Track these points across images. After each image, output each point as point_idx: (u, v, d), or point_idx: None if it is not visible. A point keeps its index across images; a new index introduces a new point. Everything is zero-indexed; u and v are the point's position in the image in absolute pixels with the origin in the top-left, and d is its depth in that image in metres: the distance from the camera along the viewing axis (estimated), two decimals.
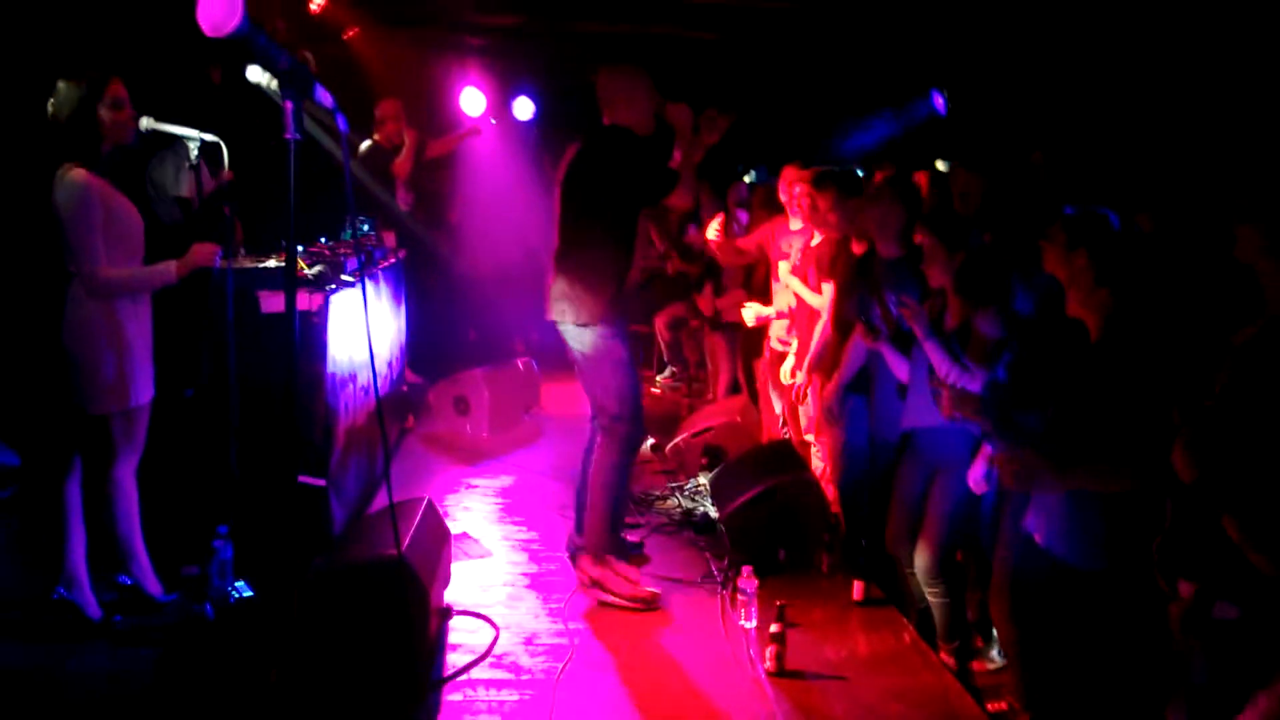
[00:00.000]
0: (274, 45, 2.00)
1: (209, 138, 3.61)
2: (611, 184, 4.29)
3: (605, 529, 4.42)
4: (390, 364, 6.28)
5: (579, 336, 4.35)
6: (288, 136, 2.04)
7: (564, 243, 4.37)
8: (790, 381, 5.38)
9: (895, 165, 7.49)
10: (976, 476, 3.64)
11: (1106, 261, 2.80)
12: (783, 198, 5.72)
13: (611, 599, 4.32)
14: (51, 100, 3.61)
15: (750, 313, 5.85)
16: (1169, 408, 2.52)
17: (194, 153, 3.58)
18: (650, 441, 6.66)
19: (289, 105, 2.04)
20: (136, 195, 3.96)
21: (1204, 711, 2.44)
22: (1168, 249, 3.58)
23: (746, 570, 4.10)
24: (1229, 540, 2.23)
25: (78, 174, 3.56)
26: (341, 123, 2.29)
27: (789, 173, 5.64)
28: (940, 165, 7.84)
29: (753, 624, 4.02)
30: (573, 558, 4.54)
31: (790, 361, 5.45)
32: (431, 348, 7.95)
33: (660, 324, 8.79)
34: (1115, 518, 2.79)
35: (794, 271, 5.37)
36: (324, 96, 2.18)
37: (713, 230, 5.94)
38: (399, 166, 7.18)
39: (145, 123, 3.62)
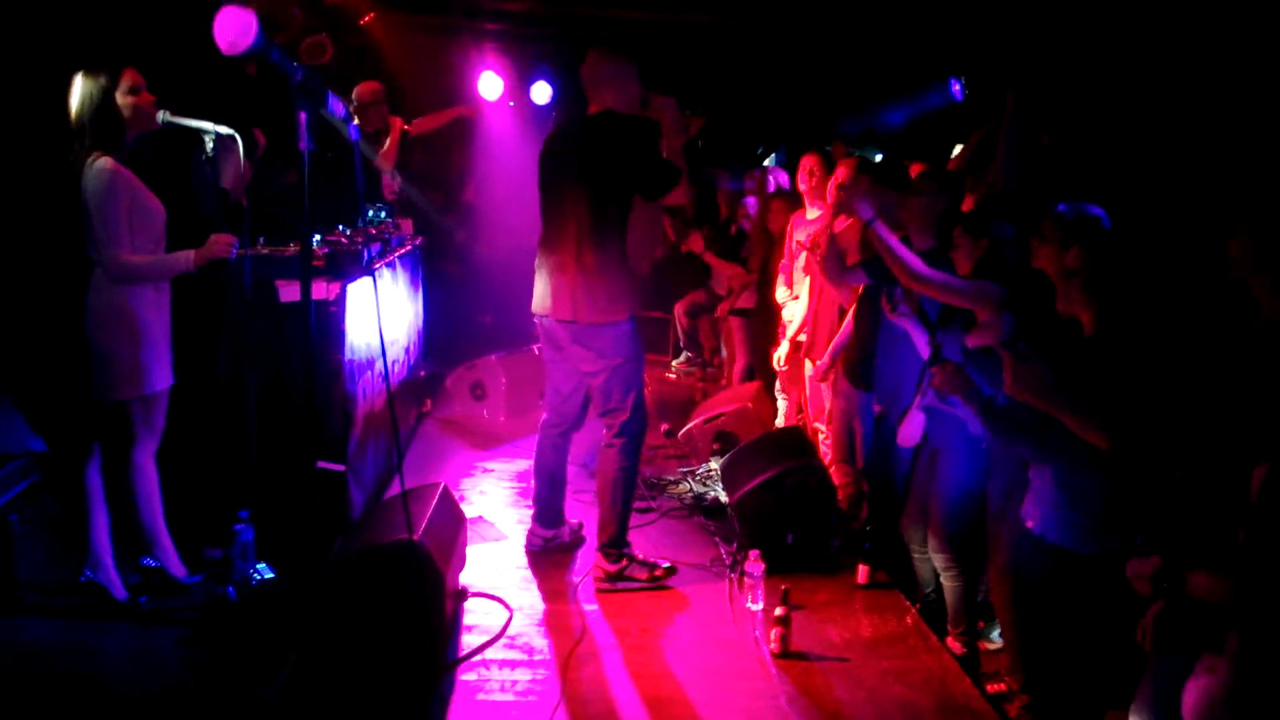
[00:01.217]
0: (287, 59, 2.08)
1: (225, 130, 3.69)
2: (627, 174, 4.20)
3: (623, 525, 4.47)
4: (408, 349, 6.38)
5: (592, 335, 4.30)
6: (301, 147, 2.11)
7: (571, 236, 4.25)
8: (784, 365, 5.47)
9: (914, 149, 7.52)
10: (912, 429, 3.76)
11: (1100, 261, 2.84)
12: (801, 186, 5.72)
13: (635, 585, 4.42)
14: (72, 94, 3.70)
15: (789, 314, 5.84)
16: (1162, 400, 2.58)
17: (210, 146, 3.67)
18: (664, 427, 6.76)
19: (303, 116, 2.11)
20: (173, 185, 4.05)
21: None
22: (1164, 246, 3.61)
23: (754, 554, 4.20)
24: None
25: (105, 162, 3.66)
26: (353, 131, 2.37)
27: (806, 160, 5.64)
28: (959, 149, 7.84)
29: (759, 606, 4.11)
30: (541, 547, 4.71)
31: (784, 348, 5.55)
32: (447, 332, 8.05)
33: (679, 310, 8.87)
34: (1108, 504, 2.86)
35: (813, 257, 5.34)
36: (336, 106, 2.26)
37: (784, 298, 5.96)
38: (385, 156, 6.89)
39: (162, 116, 3.71)
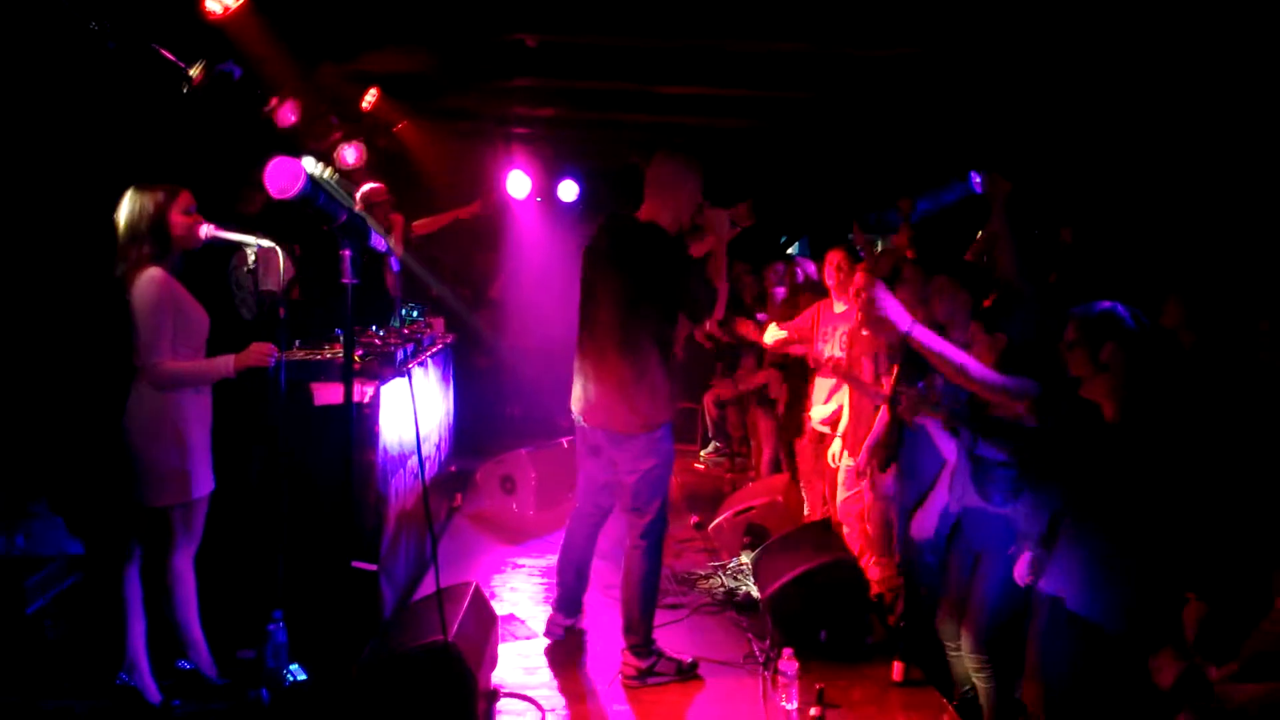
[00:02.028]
0: (333, 202, 2.19)
1: (266, 243, 3.82)
2: (663, 291, 4.24)
3: (649, 623, 4.49)
4: (438, 445, 6.44)
5: (629, 442, 4.37)
6: (345, 281, 2.21)
7: (612, 346, 4.30)
8: (839, 464, 5.44)
9: (937, 237, 7.61)
10: (1021, 570, 3.66)
11: (1134, 356, 2.90)
12: (828, 281, 5.78)
13: (663, 679, 4.43)
14: (122, 208, 3.85)
15: (816, 415, 5.86)
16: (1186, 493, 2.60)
17: (251, 258, 3.79)
18: (693, 519, 6.75)
19: (347, 254, 2.22)
20: (212, 292, 4.18)
21: None
22: (1195, 341, 3.64)
23: (787, 652, 4.16)
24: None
25: (155, 273, 3.79)
26: (394, 264, 2.46)
27: (833, 256, 5.70)
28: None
29: (794, 705, 4.07)
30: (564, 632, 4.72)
31: (836, 444, 5.52)
32: (476, 425, 8.12)
33: (708, 401, 8.91)
34: (1141, 581, 2.86)
35: (843, 354, 5.37)
36: (378, 242, 2.36)
37: (770, 334, 6.02)
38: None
39: (206, 230, 3.84)
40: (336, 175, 7.24)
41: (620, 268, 4.30)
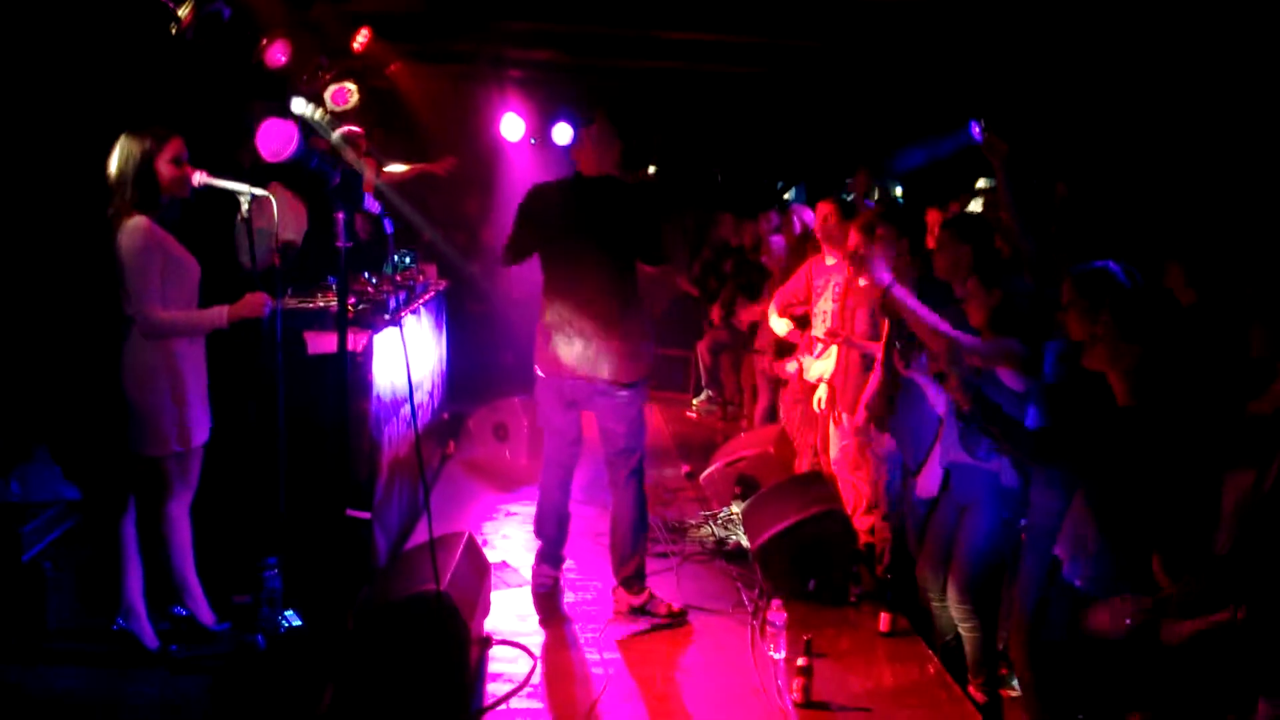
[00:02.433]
0: (326, 164, 2.18)
1: (259, 192, 3.78)
2: (644, 241, 4.50)
3: (642, 556, 4.63)
4: (431, 392, 6.45)
5: (619, 391, 4.51)
6: (339, 245, 2.20)
7: (607, 300, 4.43)
8: (823, 409, 5.46)
9: (934, 187, 7.57)
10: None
11: (1129, 318, 2.89)
12: (818, 233, 5.76)
13: (655, 620, 4.54)
14: (114, 154, 3.80)
15: (812, 371, 5.84)
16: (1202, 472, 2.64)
17: (246, 207, 3.75)
18: (685, 468, 6.80)
19: (340, 215, 2.20)
20: (210, 241, 4.16)
21: None
22: (1198, 301, 3.64)
23: (776, 603, 4.22)
24: None
25: (140, 221, 3.75)
26: (388, 225, 2.45)
27: (822, 207, 5.67)
28: (983, 183, 7.90)
29: (781, 655, 4.13)
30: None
31: (823, 390, 5.53)
32: (469, 370, 8.13)
33: (702, 348, 8.91)
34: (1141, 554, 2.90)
35: (837, 307, 5.36)
36: (372, 205, 2.35)
37: (778, 325, 6.03)
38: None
39: (199, 178, 3.79)
40: (328, 116, 7.16)
41: (605, 222, 4.44)
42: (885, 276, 3.94)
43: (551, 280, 4.56)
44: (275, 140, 1.90)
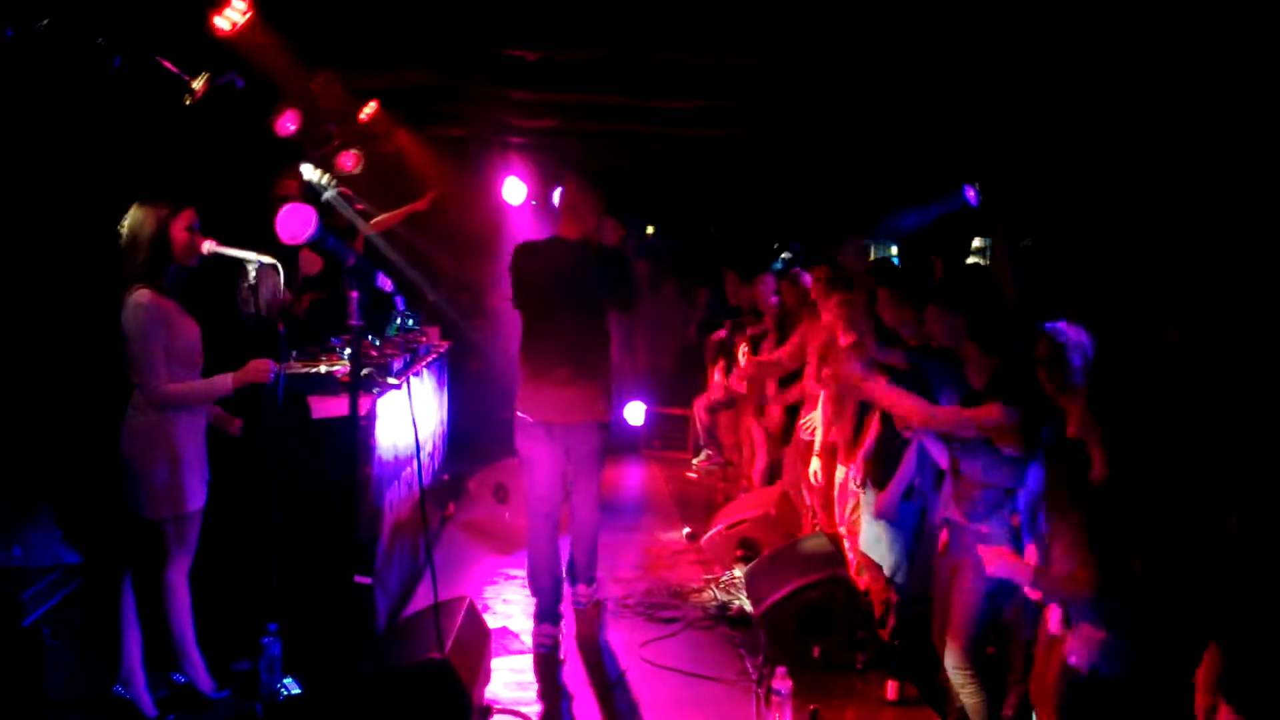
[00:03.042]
0: (341, 246, 2.22)
1: (267, 260, 3.82)
2: (616, 294, 4.99)
3: (595, 557, 5.32)
4: (432, 453, 6.45)
5: (594, 429, 4.94)
6: (352, 323, 2.24)
7: (583, 349, 4.86)
8: (820, 480, 5.49)
9: (928, 246, 7.65)
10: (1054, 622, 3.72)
11: (1099, 392, 2.92)
12: (814, 295, 5.81)
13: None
14: (126, 220, 3.85)
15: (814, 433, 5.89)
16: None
17: (253, 274, 3.79)
18: (686, 530, 6.78)
19: (354, 295, 2.25)
20: (213, 305, 4.20)
21: None
22: (1185, 363, 3.66)
23: (781, 671, 4.17)
24: None
25: (143, 294, 3.77)
26: (400, 303, 2.49)
27: (817, 272, 5.73)
28: (978, 242, 7.99)
29: None
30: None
31: (815, 463, 5.57)
32: (470, 429, 8.14)
33: (699, 407, 8.90)
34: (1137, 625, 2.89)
35: (831, 366, 5.40)
36: (384, 283, 2.40)
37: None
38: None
39: (208, 246, 3.83)
40: (335, 181, 7.25)
41: (587, 281, 4.85)
42: (858, 374, 4.13)
43: (531, 330, 4.93)
44: (294, 224, 1.94)
